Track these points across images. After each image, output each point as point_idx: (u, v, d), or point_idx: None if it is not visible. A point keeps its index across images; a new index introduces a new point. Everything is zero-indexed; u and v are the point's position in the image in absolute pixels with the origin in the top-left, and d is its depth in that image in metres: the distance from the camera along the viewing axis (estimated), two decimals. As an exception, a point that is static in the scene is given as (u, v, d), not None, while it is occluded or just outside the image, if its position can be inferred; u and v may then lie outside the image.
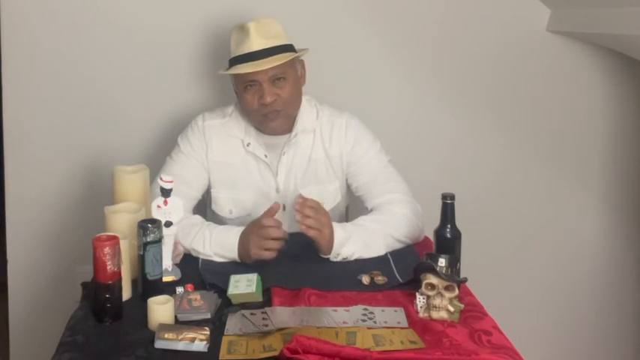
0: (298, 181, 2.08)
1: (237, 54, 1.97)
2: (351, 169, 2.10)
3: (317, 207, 1.85)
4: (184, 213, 1.84)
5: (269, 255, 1.82)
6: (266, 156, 2.06)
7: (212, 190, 2.09)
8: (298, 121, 2.06)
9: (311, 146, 2.08)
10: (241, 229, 1.90)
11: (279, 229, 1.83)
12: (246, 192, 2.06)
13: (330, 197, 2.10)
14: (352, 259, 1.91)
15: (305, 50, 2.05)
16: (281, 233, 1.83)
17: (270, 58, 1.93)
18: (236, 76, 2.01)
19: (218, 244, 1.89)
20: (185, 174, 2.01)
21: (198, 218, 1.98)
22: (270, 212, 1.86)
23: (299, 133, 2.06)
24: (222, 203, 2.08)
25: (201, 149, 2.06)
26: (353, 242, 1.90)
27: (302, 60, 2.08)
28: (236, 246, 1.87)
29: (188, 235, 1.91)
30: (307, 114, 2.09)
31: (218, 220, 2.09)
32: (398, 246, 1.97)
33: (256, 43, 1.94)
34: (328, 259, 1.90)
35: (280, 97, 1.96)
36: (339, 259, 1.90)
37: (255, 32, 1.95)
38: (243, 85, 1.98)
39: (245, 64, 1.94)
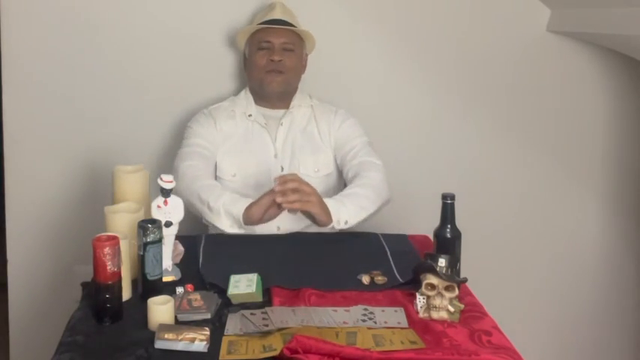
0: (295, 148, 2.27)
1: (260, 21, 2.28)
2: (337, 144, 2.30)
3: (296, 179, 1.95)
4: (210, 177, 2.14)
5: (275, 211, 1.95)
6: (266, 124, 2.28)
7: (217, 159, 2.26)
8: (295, 99, 2.33)
9: (306, 120, 2.32)
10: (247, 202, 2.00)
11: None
12: (248, 157, 2.25)
13: (324, 164, 2.28)
14: (353, 223, 2.04)
15: (313, 38, 2.31)
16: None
17: (288, 27, 2.27)
18: (252, 40, 2.30)
19: (231, 202, 2.00)
20: (203, 142, 2.22)
21: (219, 185, 2.13)
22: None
23: (295, 107, 2.32)
24: (226, 169, 2.23)
25: (209, 124, 2.27)
26: (347, 204, 2.03)
27: (307, 54, 2.37)
28: (245, 207, 1.97)
29: (208, 190, 2.05)
30: (302, 96, 2.36)
31: (222, 184, 2.21)
32: (379, 204, 2.13)
33: (279, 15, 2.27)
34: (328, 256, 1.92)
35: (285, 62, 2.25)
36: (341, 225, 2.00)
37: (279, 8, 2.29)
38: (257, 45, 2.27)
39: (266, 25, 2.25)
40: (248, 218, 1.97)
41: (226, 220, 2.01)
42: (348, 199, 2.06)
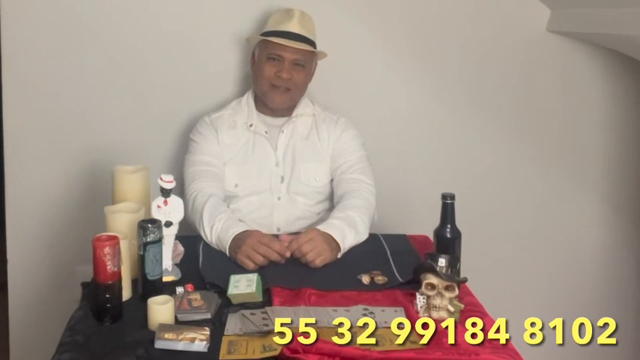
0: (296, 156, 2.24)
1: (277, 29, 2.21)
2: (333, 154, 2.27)
3: (302, 239, 1.89)
4: (218, 195, 2.10)
5: (250, 265, 1.85)
6: (266, 132, 2.25)
7: None
8: (298, 107, 2.29)
9: (308, 129, 2.29)
10: (243, 228, 1.94)
11: (274, 254, 1.87)
12: (250, 167, 2.23)
13: (324, 173, 2.26)
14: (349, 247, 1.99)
15: (325, 54, 2.29)
16: (274, 257, 1.87)
17: (302, 43, 2.20)
18: (264, 46, 2.23)
19: (218, 235, 1.97)
20: (209, 159, 2.20)
21: (224, 206, 2.10)
22: (276, 243, 1.89)
23: (298, 116, 2.29)
24: (229, 179, 2.21)
25: (212, 136, 2.23)
26: (348, 233, 1.98)
27: (316, 63, 2.31)
28: (230, 242, 1.92)
29: (212, 212, 2.01)
30: (305, 104, 2.32)
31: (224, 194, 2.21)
32: (368, 230, 2.09)
33: (296, 28, 2.20)
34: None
35: (294, 79, 2.21)
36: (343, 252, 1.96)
37: (297, 19, 2.22)
38: (268, 55, 2.21)
39: (281, 39, 2.18)
40: (230, 256, 1.92)
41: (215, 246, 1.99)
42: (347, 227, 1.99)
